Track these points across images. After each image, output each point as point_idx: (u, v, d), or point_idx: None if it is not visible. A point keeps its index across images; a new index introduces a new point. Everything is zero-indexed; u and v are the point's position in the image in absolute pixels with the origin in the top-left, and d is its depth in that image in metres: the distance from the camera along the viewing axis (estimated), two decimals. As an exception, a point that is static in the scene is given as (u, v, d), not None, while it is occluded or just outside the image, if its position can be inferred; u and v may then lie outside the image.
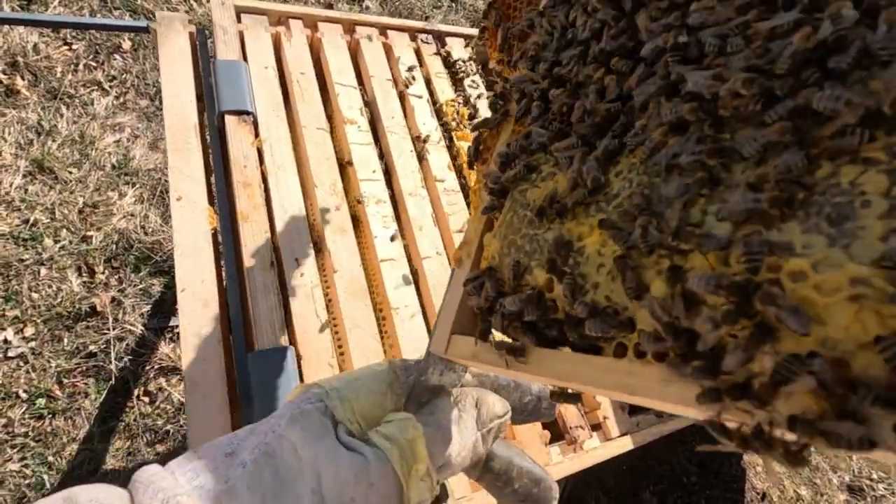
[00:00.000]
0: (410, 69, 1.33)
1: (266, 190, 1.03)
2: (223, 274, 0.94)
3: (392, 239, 1.08)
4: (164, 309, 2.42)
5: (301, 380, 0.86)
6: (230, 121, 1.05)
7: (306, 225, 1.03)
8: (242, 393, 0.83)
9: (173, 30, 1.12)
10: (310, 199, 1.07)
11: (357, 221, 1.10)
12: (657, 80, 0.49)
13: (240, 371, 0.85)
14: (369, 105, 1.26)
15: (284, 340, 0.89)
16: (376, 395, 0.57)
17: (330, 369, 0.88)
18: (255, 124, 1.09)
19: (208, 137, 1.08)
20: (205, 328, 0.86)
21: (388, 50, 1.35)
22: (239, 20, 1.21)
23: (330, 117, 1.20)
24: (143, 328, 2.32)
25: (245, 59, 1.16)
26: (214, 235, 0.96)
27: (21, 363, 2.12)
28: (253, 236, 0.95)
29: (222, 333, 0.87)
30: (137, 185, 2.66)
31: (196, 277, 0.89)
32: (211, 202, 0.99)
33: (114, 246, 2.45)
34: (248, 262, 0.93)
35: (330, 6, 3.29)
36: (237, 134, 1.04)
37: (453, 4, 3.58)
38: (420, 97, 1.30)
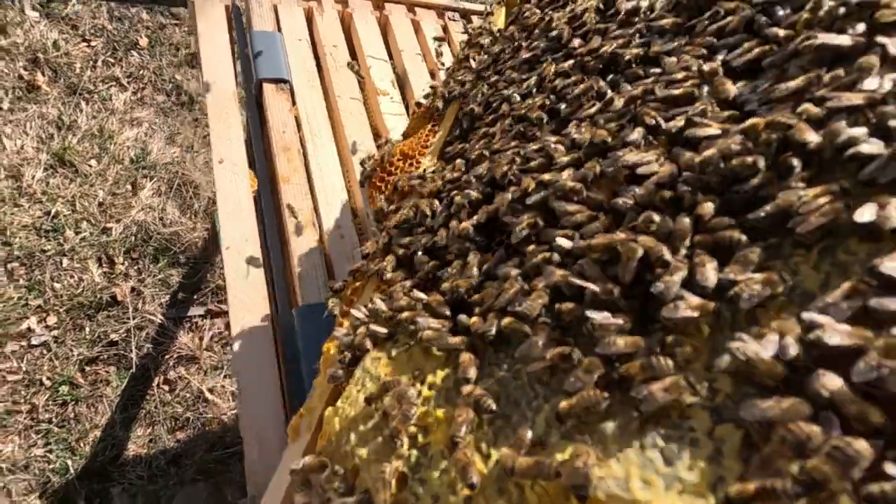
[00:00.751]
0: (439, 44, 1.34)
1: (304, 156, 1.05)
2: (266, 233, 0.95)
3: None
4: (182, 299, 2.44)
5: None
6: (268, 89, 1.07)
7: (344, 190, 1.04)
8: (287, 346, 0.84)
9: (210, 2, 1.14)
10: (346, 166, 1.08)
11: (392, 188, 1.11)
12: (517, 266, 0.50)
13: (283, 325, 0.86)
14: (400, 77, 1.28)
15: (326, 297, 0.90)
16: None
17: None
18: (292, 92, 1.10)
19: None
20: (249, 284, 0.87)
21: (416, 26, 1.37)
22: (272, -5, 1.24)
23: (362, 88, 1.22)
24: (162, 318, 2.34)
25: (279, 31, 1.18)
26: (256, 197, 0.97)
27: (44, 351, 2.13)
28: (294, 197, 0.96)
29: (267, 289, 0.88)
30: (155, 179, 2.68)
31: (240, 236, 0.90)
32: (251, 166, 1.01)
33: (133, 237, 2.47)
34: (289, 222, 0.94)
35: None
36: (275, 101, 1.06)
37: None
38: (443, 66, 1.32)
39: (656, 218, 0.43)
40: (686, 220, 0.42)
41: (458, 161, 0.68)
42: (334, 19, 1.28)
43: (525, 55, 0.75)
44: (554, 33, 0.73)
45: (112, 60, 2.92)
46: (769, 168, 0.42)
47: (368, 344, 0.54)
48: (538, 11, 0.83)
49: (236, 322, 0.84)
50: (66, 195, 2.50)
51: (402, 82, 1.27)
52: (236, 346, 0.81)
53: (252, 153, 1.04)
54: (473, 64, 0.88)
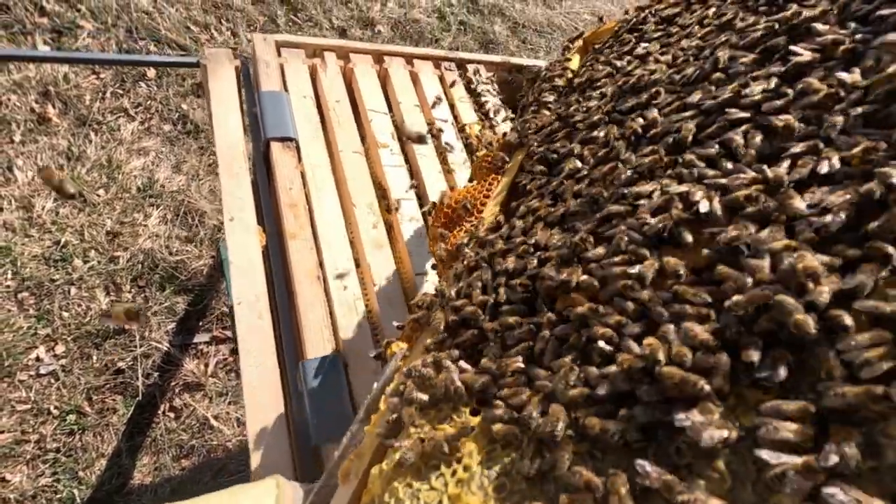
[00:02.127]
0: (437, 97, 1.42)
1: (309, 210, 1.11)
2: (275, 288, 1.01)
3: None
4: (188, 326, 2.49)
5: (349, 386, 0.93)
6: (275, 147, 1.14)
7: (347, 242, 1.10)
8: (296, 398, 0.89)
9: (221, 65, 1.21)
10: (349, 218, 1.15)
11: (392, 238, 1.17)
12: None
13: (292, 378, 0.92)
14: (399, 129, 1.35)
15: (331, 349, 0.96)
16: None
17: (374, 376, 0.95)
18: (298, 149, 1.17)
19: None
20: (260, 339, 0.93)
21: (414, 77, 1.45)
22: (279, 54, 1.31)
23: (364, 141, 1.29)
24: (168, 345, 2.39)
25: (285, 89, 1.26)
26: (265, 252, 1.03)
27: (52, 380, 2.19)
28: (300, 253, 1.03)
29: (276, 343, 0.94)
30: (161, 207, 2.75)
31: (250, 292, 0.96)
32: (260, 222, 1.07)
33: (140, 265, 2.54)
34: (296, 276, 1.00)
35: (343, 32, 3.43)
36: (282, 159, 1.13)
37: (462, 27, 3.72)
38: (445, 121, 1.39)
39: (688, 355, 0.42)
40: (724, 358, 0.40)
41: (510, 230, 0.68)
42: (337, 74, 1.36)
43: (595, 117, 0.74)
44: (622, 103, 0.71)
45: (120, 92, 3.01)
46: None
47: (413, 409, 0.55)
48: (611, 62, 0.83)
49: (247, 372, 0.90)
50: (74, 225, 2.57)
51: (400, 134, 1.34)
52: (247, 399, 0.86)
53: (261, 209, 1.10)
54: (547, 112, 0.86)
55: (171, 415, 2.29)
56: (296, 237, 1.03)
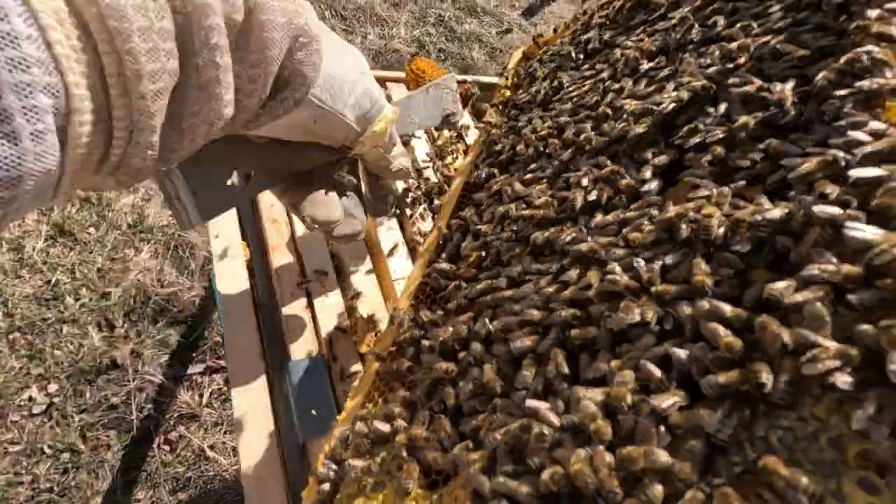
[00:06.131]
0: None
1: (291, 224, 1.17)
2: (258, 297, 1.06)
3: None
4: (181, 358, 2.50)
5: (332, 387, 0.96)
6: (256, 167, 1.20)
7: (327, 252, 1.16)
8: (281, 398, 0.93)
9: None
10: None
11: (371, 246, 1.23)
12: None
13: (277, 379, 0.95)
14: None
15: (315, 351, 1.00)
16: None
17: (354, 375, 0.98)
18: (278, 168, 1.24)
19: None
20: (246, 345, 0.97)
21: (388, 99, 1.53)
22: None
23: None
24: (162, 377, 2.40)
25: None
26: (249, 265, 1.08)
27: (45, 419, 2.18)
28: (282, 263, 1.08)
29: (261, 348, 0.98)
30: (152, 242, 2.80)
31: (237, 301, 1.01)
32: (244, 238, 1.13)
33: (132, 300, 2.57)
34: (279, 286, 1.05)
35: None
36: (263, 177, 1.19)
37: (441, 54, 3.88)
38: (419, 137, 1.47)
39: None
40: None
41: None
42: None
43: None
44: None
45: (109, 133, 3.08)
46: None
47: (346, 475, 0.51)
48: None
49: (235, 380, 0.94)
50: (65, 263, 2.61)
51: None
52: (235, 403, 0.90)
53: (244, 226, 1.16)
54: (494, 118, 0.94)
55: (167, 447, 2.28)
56: (277, 249, 1.09)
